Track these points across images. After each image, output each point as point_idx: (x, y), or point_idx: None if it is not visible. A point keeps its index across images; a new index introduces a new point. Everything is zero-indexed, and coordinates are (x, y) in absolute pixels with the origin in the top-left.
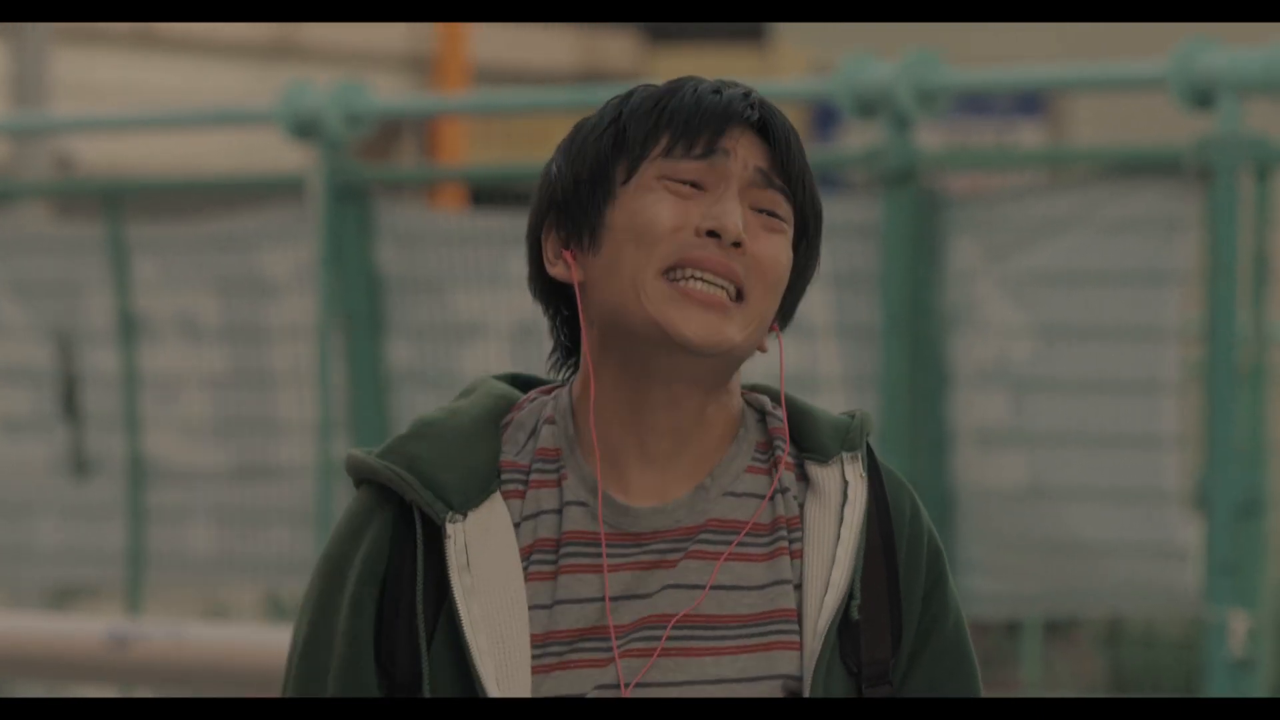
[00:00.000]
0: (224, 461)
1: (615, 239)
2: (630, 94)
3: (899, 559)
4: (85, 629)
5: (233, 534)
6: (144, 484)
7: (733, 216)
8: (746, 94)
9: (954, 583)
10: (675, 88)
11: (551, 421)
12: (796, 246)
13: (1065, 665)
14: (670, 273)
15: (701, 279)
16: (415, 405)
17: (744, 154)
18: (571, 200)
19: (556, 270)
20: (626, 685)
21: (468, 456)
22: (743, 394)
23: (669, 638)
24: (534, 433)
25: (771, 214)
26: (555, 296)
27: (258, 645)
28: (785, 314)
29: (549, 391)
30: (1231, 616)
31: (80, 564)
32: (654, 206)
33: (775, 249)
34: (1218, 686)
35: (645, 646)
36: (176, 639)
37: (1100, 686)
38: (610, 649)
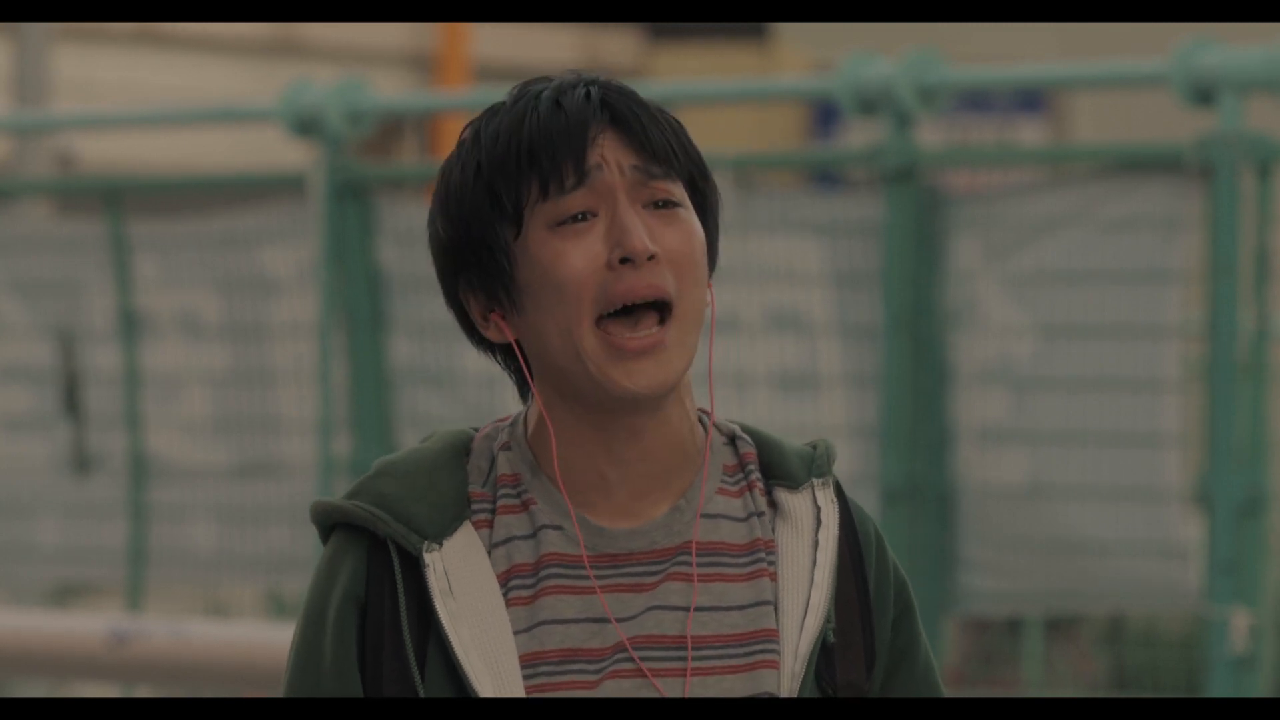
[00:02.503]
0: (225, 459)
1: (533, 295)
2: (478, 131)
3: (869, 582)
4: (86, 627)
5: (234, 532)
6: (145, 482)
7: (635, 233)
8: (588, 92)
9: (922, 626)
10: (521, 114)
11: (507, 448)
12: (695, 205)
13: (1066, 664)
14: (602, 320)
15: (633, 323)
16: (416, 403)
17: (613, 157)
18: (473, 265)
19: (490, 333)
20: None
21: (436, 488)
22: (704, 414)
23: (654, 658)
24: (493, 461)
25: (666, 203)
26: (497, 349)
27: (258, 643)
28: (710, 265)
29: (504, 422)
30: (1233, 615)
31: (81, 562)
32: (556, 255)
33: (683, 236)
34: (1219, 685)
35: (631, 668)
36: (177, 637)
37: (1101, 685)
38: (598, 670)
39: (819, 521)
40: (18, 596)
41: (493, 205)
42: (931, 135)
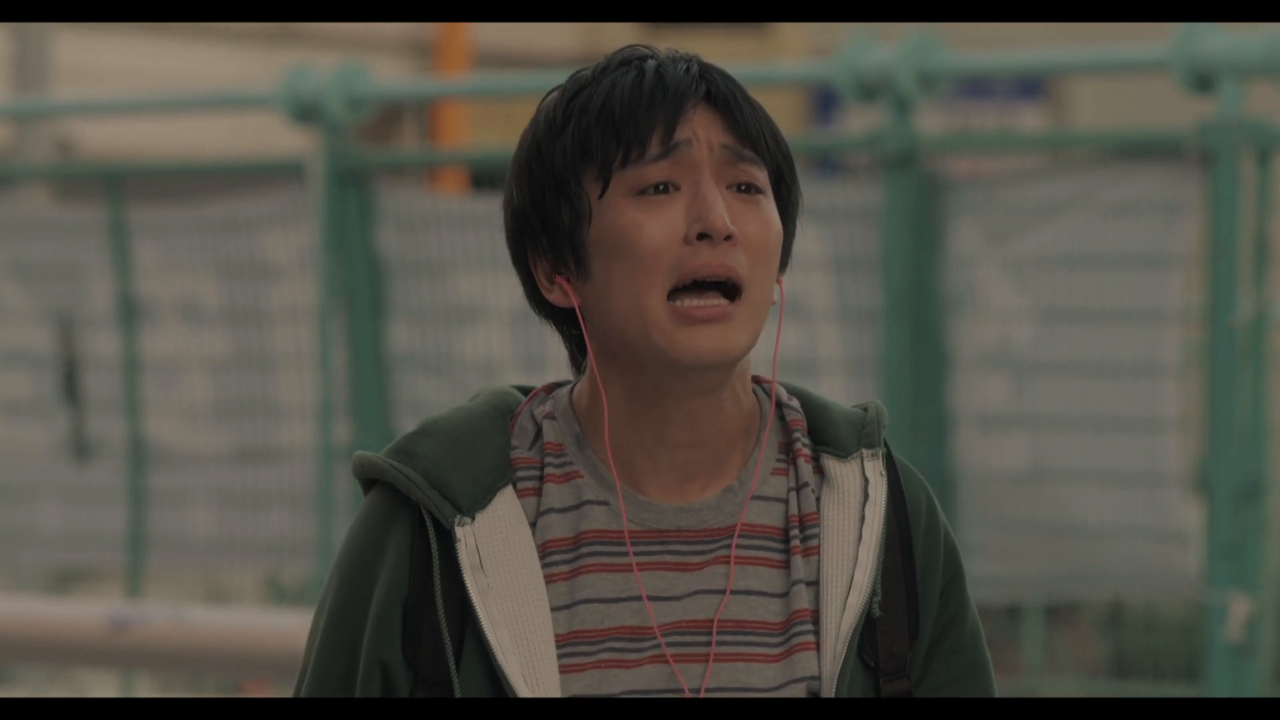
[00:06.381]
0: (224, 445)
1: (603, 261)
2: (568, 93)
3: (915, 554)
4: (86, 612)
5: (233, 517)
6: (145, 467)
7: (717, 211)
8: (688, 67)
9: (969, 592)
10: (615, 83)
11: (551, 417)
12: (777, 197)
13: (1066, 648)
14: (672, 293)
15: (700, 295)
16: (416, 388)
17: (705, 134)
18: (545, 225)
19: (554, 297)
20: (662, 693)
21: (475, 452)
22: (759, 381)
23: (694, 644)
24: (539, 428)
25: (749, 187)
26: (558, 316)
27: (258, 628)
28: (783, 260)
29: (548, 390)
30: (1232, 600)
31: (81, 547)
32: (634, 226)
33: (762, 224)
34: (1218, 670)
35: (676, 652)
36: (177, 622)
37: (1101, 670)
38: (639, 650)
39: (866, 495)
40: (18, 582)
41: (579, 161)
42: (931, 121)
